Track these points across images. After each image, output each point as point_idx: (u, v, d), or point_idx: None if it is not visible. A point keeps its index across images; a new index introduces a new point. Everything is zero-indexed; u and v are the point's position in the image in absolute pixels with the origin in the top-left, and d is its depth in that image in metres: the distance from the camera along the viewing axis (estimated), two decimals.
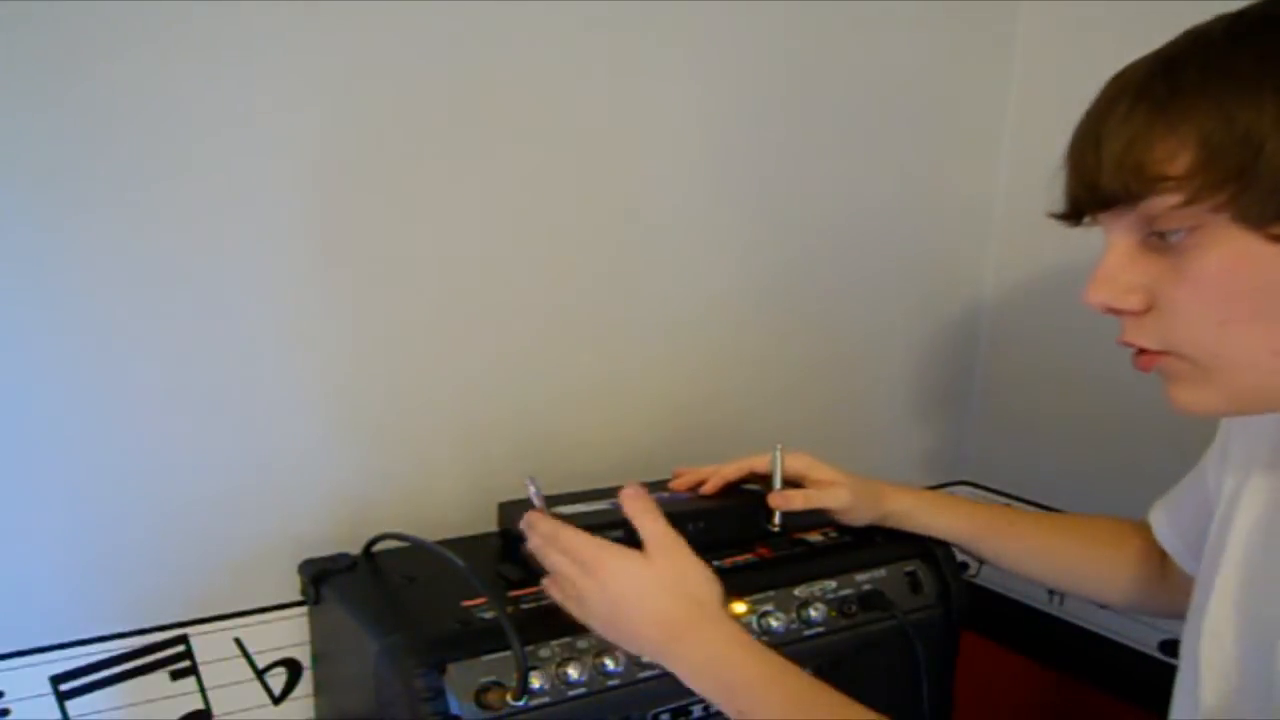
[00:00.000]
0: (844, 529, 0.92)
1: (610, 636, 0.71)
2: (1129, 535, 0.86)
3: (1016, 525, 0.91)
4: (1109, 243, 0.59)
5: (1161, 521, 0.82)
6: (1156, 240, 0.57)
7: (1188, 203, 0.53)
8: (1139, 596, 0.87)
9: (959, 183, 1.22)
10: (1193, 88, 0.53)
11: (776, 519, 0.89)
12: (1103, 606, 1.14)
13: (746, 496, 0.91)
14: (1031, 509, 1.23)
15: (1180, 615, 0.72)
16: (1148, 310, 0.58)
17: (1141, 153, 0.54)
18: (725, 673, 0.68)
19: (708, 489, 0.91)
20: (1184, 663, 0.70)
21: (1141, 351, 0.60)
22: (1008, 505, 1.25)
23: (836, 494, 0.87)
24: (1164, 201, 0.54)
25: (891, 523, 0.90)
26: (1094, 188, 0.57)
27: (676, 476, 0.93)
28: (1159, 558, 0.83)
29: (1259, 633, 0.63)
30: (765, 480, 0.89)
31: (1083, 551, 0.88)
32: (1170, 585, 0.83)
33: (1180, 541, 0.80)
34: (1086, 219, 0.61)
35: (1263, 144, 0.51)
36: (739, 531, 0.88)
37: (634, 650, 0.72)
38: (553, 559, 0.73)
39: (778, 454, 0.88)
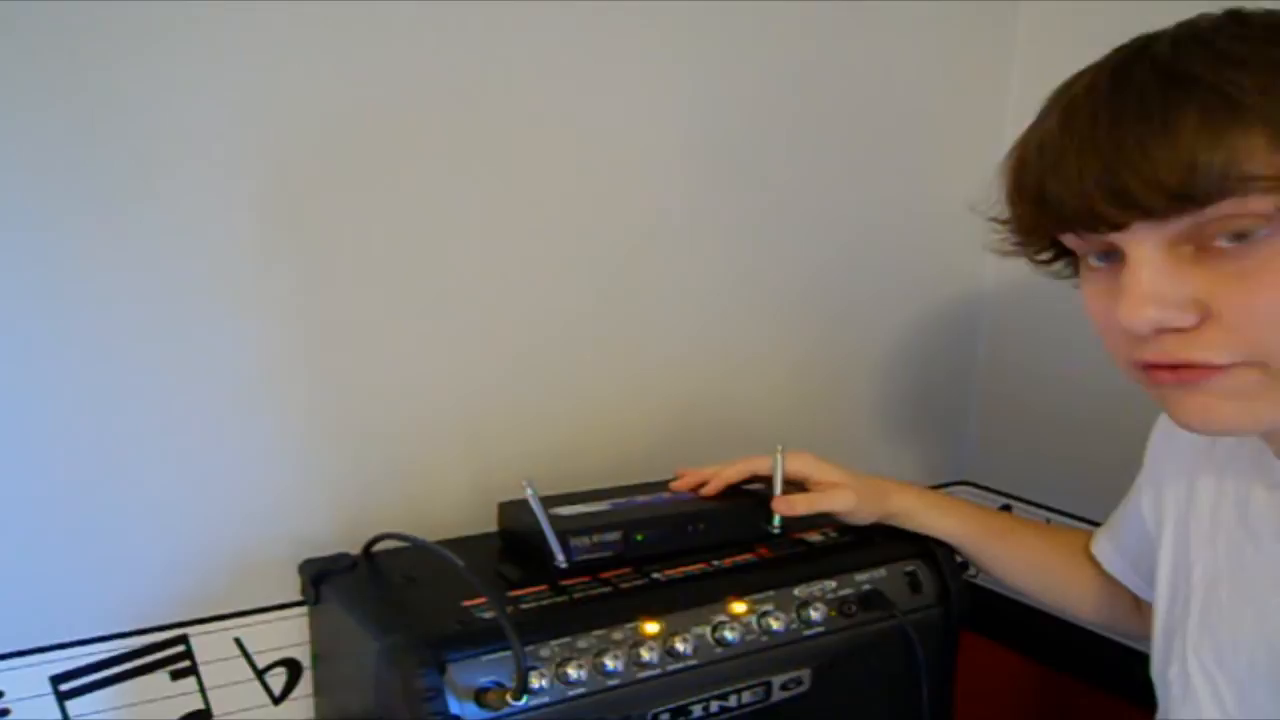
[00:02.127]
0: (844, 529, 0.92)
1: None
2: None
3: (1016, 533, 0.91)
4: (1134, 258, 0.55)
5: (1109, 554, 0.83)
6: (1202, 249, 0.53)
7: (1274, 209, 0.50)
8: (1113, 618, 0.87)
9: (959, 183, 1.21)
10: (1241, 83, 0.50)
11: (777, 521, 0.89)
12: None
13: (748, 497, 0.91)
14: (1032, 510, 1.23)
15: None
16: (1202, 323, 0.54)
17: (1218, 154, 0.50)
18: None
19: (709, 490, 0.91)
20: (1168, 689, 0.70)
21: (1181, 366, 0.56)
22: (1009, 509, 1.25)
23: (842, 496, 0.87)
24: (1249, 205, 0.50)
25: (894, 522, 0.90)
26: (1135, 197, 0.52)
27: (678, 477, 0.93)
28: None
29: (1254, 636, 0.63)
30: (767, 481, 0.89)
31: (1066, 569, 0.88)
32: (1142, 610, 0.84)
33: (1134, 572, 0.81)
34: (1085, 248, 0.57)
35: None
36: (739, 532, 0.88)
37: None
38: None
39: (779, 456, 0.88)
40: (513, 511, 0.88)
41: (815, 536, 0.91)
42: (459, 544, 0.83)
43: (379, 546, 0.86)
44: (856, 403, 1.22)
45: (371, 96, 0.85)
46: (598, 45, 0.95)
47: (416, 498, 0.94)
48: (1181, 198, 0.51)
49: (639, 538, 0.83)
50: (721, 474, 0.91)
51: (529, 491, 0.77)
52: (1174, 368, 0.56)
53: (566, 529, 0.81)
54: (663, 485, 0.94)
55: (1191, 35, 0.54)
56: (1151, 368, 0.57)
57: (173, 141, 0.78)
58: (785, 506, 0.87)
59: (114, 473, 0.81)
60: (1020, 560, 0.90)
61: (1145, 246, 0.54)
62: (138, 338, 0.80)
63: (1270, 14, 0.53)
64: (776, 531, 0.89)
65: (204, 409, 0.83)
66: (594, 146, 0.97)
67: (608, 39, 0.96)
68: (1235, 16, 0.54)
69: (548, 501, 0.81)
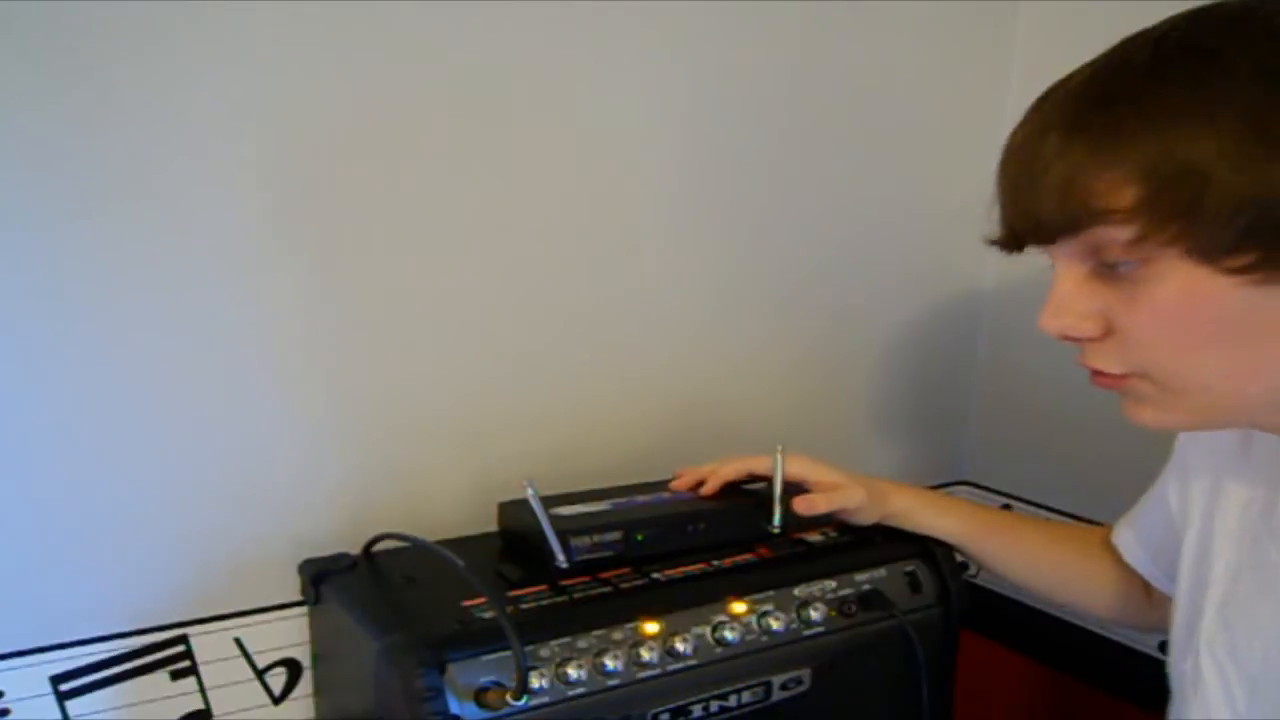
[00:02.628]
0: (843, 529, 0.92)
1: None
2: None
3: (1014, 530, 0.91)
4: (1057, 271, 0.60)
5: (1130, 543, 0.83)
6: (1106, 269, 0.57)
7: (1137, 237, 0.53)
8: (1125, 612, 0.87)
9: (959, 183, 1.22)
10: (1129, 120, 0.53)
11: (776, 520, 0.89)
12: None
13: (747, 496, 0.91)
14: (1031, 510, 1.23)
15: (1162, 631, 0.73)
16: (1106, 335, 0.59)
17: (1083, 185, 0.54)
18: None
19: (707, 489, 0.91)
20: (1181, 682, 0.70)
21: (1101, 373, 0.61)
22: (1009, 509, 1.25)
23: (853, 493, 0.87)
24: (1111, 234, 0.54)
25: (893, 522, 0.90)
26: (1035, 219, 0.57)
27: (677, 477, 0.94)
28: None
29: (1271, 633, 0.63)
30: (765, 480, 0.89)
31: (1076, 563, 0.88)
32: (1154, 601, 0.83)
33: (1153, 563, 0.81)
34: (1029, 248, 0.60)
35: (1209, 177, 0.51)
36: (740, 532, 0.88)
37: None
38: None
39: (779, 456, 0.88)
40: (513, 511, 0.88)
41: (815, 536, 0.91)
42: (459, 544, 0.83)
43: (379, 546, 0.86)
44: (856, 402, 1.22)
45: (370, 97, 0.85)
46: (597, 45, 0.95)
47: (416, 498, 0.94)
48: (1052, 227, 0.56)
49: (639, 538, 0.83)
50: (719, 472, 0.91)
51: (530, 491, 0.77)
52: (1093, 373, 0.61)
53: (567, 529, 0.81)
54: (663, 485, 0.94)
55: (1117, 62, 0.56)
56: (1089, 373, 0.62)
57: (171, 140, 0.78)
58: (807, 506, 0.87)
59: (114, 473, 0.81)
60: (1023, 556, 0.90)
61: (1063, 261, 0.59)
62: (137, 338, 0.80)
63: (1190, 34, 0.54)
64: (776, 531, 0.89)
65: (204, 409, 0.83)
66: (594, 146, 0.97)
67: (608, 39, 0.96)
68: (1162, 38, 0.55)
69: (548, 501, 0.80)
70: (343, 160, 0.85)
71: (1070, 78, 0.58)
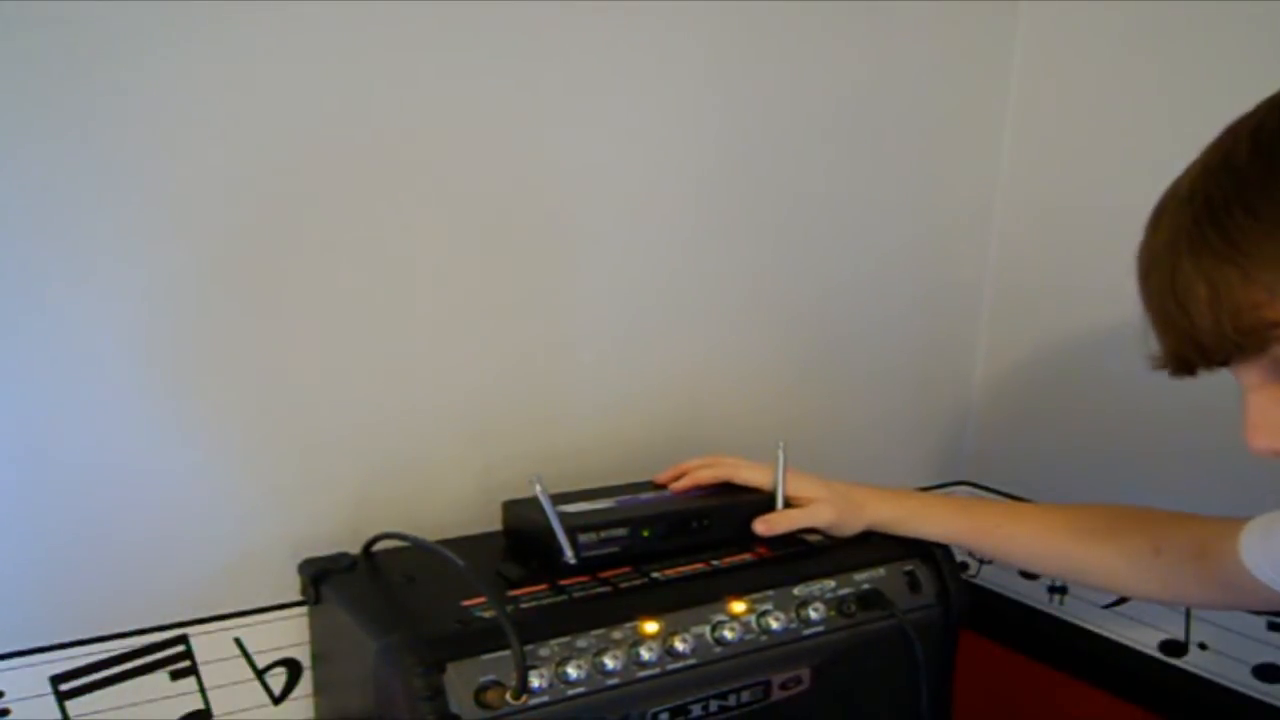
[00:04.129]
0: None
1: None
2: (1132, 528, 0.86)
3: (1004, 526, 0.91)
4: (1245, 388, 0.55)
5: (1256, 557, 0.78)
6: None
7: None
8: (1134, 583, 0.86)
9: (959, 183, 1.22)
10: (1255, 226, 0.49)
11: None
12: (1106, 606, 1.14)
13: (748, 495, 0.91)
14: (1028, 505, 1.23)
15: (1179, 602, 0.71)
16: None
17: (1242, 305, 0.50)
18: None
19: (678, 486, 0.92)
20: None
21: None
22: (999, 500, 1.24)
23: (820, 512, 0.88)
24: None
25: (880, 530, 0.91)
26: (1203, 350, 0.53)
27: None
28: (1170, 554, 0.83)
29: None
30: (742, 490, 0.91)
31: (1075, 550, 0.88)
32: (1185, 577, 0.83)
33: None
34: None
35: None
36: (739, 531, 0.88)
37: None
38: None
39: (781, 454, 0.89)
40: (518, 510, 0.88)
41: (815, 536, 0.91)
42: (459, 543, 0.84)
43: (379, 546, 0.86)
44: (857, 403, 1.22)
45: (386, 96, 0.85)
46: (613, 55, 0.95)
47: (416, 497, 0.94)
48: (1226, 352, 0.52)
49: (646, 534, 0.84)
50: (695, 475, 0.92)
51: (537, 488, 0.77)
52: None
53: (575, 526, 0.81)
54: (663, 484, 0.94)
55: (1222, 168, 0.52)
56: None
57: (171, 132, 0.78)
58: (765, 527, 0.88)
59: (113, 472, 0.81)
60: (1019, 552, 0.90)
61: (1248, 376, 0.55)
62: (136, 336, 0.80)
63: None
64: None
65: (203, 408, 0.83)
66: (600, 152, 0.97)
67: (623, 51, 0.96)
68: (1258, 129, 0.52)
69: (553, 499, 0.81)
70: (349, 158, 0.85)
71: (1178, 185, 0.55)
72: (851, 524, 0.89)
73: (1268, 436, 0.55)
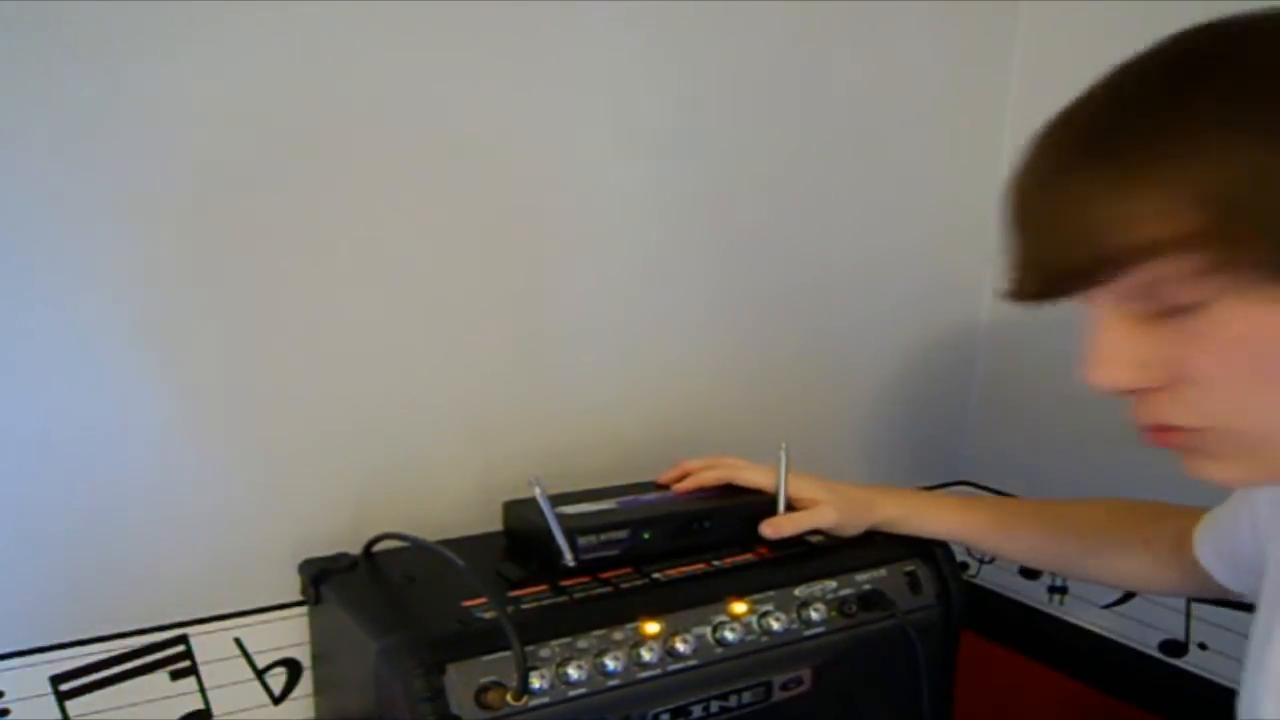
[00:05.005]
0: None
1: None
2: (1122, 518, 0.87)
3: (1008, 524, 0.91)
4: (1098, 320, 0.52)
5: (1206, 548, 0.79)
6: (1161, 309, 0.50)
7: (1205, 268, 0.46)
8: (1140, 577, 0.87)
9: (959, 183, 1.22)
10: (1162, 141, 0.47)
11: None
12: (1105, 605, 1.14)
13: (749, 496, 0.91)
14: (1029, 503, 1.23)
15: (1173, 593, 0.71)
16: (1169, 386, 0.51)
17: (1125, 220, 0.47)
18: None
19: (683, 487, 0.92)
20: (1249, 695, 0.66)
21: (1165, 429, 0.53)
22: (1003, 498, 1.24)
23: (823, 514, 0.88)
24: (1168, 269, 0.47)
25: (885, 530, 0.91)
26: (1066, 268, 0.50)
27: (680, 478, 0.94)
28: (1140, 537, 0.84)
29: None
30: (745, 492, 0.91)
31: (1079, 546, 0.88)
32: (1176, 569, 0.83)
33: (1224, 566, 0.78)
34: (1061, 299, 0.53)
35: (1239, 193, 0.45)
36: (745, 530, 0.88)
37: None
38: None
39: (783, 455, 0.89)
40: (518, 510, 0.88)
41: (815, 536, 0.91)
42: (460, 544, 0.83)
43: (379, 546, 0.86)
44: (856, 403, 1.22)
45: (386, 94, 0.85)
46: (610, 53, 0.95)
47: (417, 497, 0.94)
48: (1091, 273, 0.49)
49: (646, 536, 0.84)
50: (699, 476, 0.92)
51: (536, 490, 0.77)
52: (1156, 430, 0.54)
53: (574, 528, 0.81)
54: (666, 484, 0.94)
55: (1120, 87, 0.50)
56: (1140, 429, 0.55)
57: (170, 132, 0.78)
58: (773, 530, 0.88)
59: (113, 473, 0.81)
60: (1022, 550, 0.91)
61: (1104, 309, 0.52)
62: (136, 337, 0.80)
63: (1193, 45, 0.49)
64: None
65: (203, 408, 0.83)
66: (602, 153, 0.97)
67: (621, 49, 0.96)
68: (1156, 54, 0.50)
69: (553, 500, 0.80)
70: (345, 153, 0.85)
71: (1070, 110, 0.52)
72: (855, 524, 0.90)
73: (1112, 371, 0.52)
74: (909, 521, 0.90)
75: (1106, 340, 0.52)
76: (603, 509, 0.86)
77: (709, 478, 0.92)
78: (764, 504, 0.89)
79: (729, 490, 0.92)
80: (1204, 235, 0.46)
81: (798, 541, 0.89)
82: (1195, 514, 0.81)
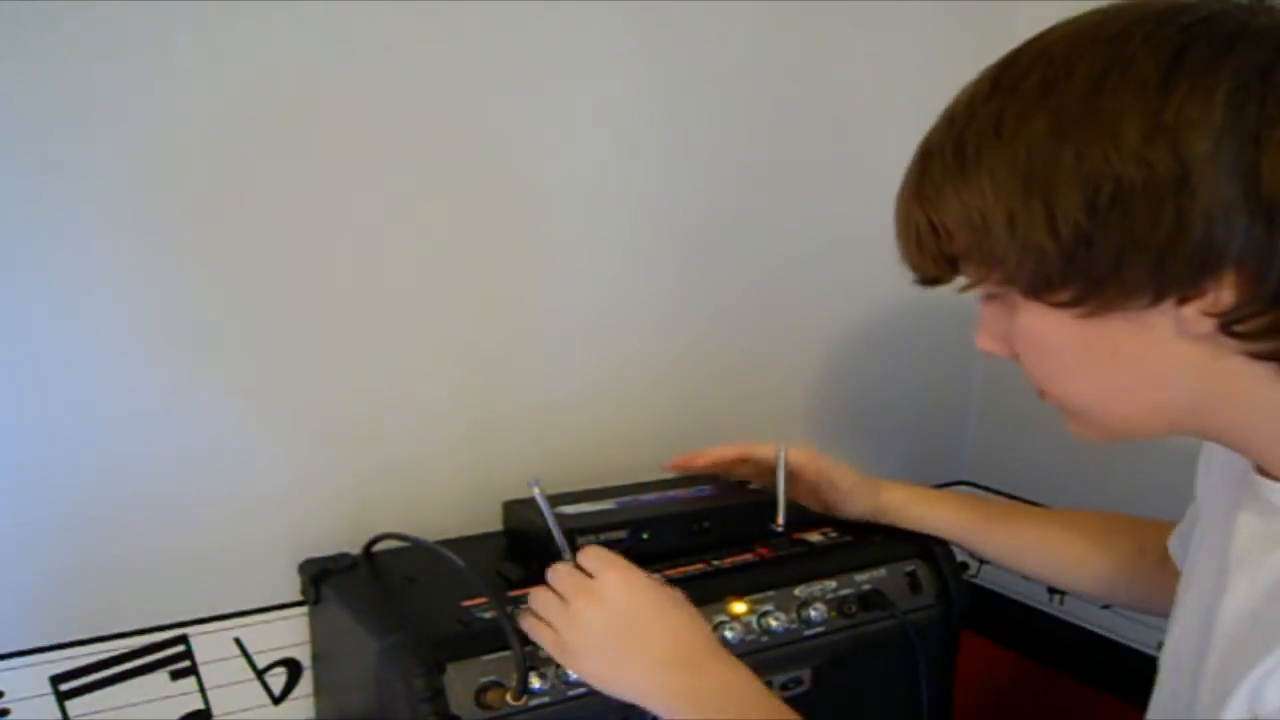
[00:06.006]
0: (844, 528, 0.92)
1: (608, 661, 0.68)
2: (1123, 530, 0.86)
3: (1009, 521, 0.91)
4: (980, 294, 0.62)
5: (1174, 540, 0.80)
6: (995, 295, 0.60)
7: (979, 279, 0.58)
8: (1129, 592, 0.87)
9: None
10: (939, 173, 0.57)
11: (780, 518, 0.89)
12: (1104, 606, 1.14)
13: (748, 496, 0.91)
14: (1032, 507, 1.23)
15: (1161, 610, 0.72)
16: (1018, 357, 0.61)
17: (929, 235, 0.58)
18: (745, 702, 0.67)
19: (702, 460, 0.93)
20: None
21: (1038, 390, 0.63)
22: (1007, 501, 1.25)
23: (844, 471, 0.90)
24: (973, 273, 0.58)
25: (887, 516, 0.91)
26: (915, 265, 0.62)
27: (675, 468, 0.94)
28: (1152, 555, 0.83)
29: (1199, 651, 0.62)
30: (763, 469, 0.91)
31: (1075, 547, 0.88)
32: (1166, 580, 0.83)
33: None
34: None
35: (990, 227, 0.54)
36: (745, 530, 0.88)
37: (634, 679, 0.68)
38: (539, 598, 0.70)
39: (782, 455, 0.88)
40: (518, 511, 0.88)
41: (816, 536, 0.91)
42: (460, 544, 0.84)
43: (379, 546, 0.86)
44: (856, 402, 1.22)
45: (384, 93, 0.85)
46: (605, 49, 0.95)
47: (417, 497, 0.94)
48: (929, 273, 0.61)
49: (645, 536, 0.84)
50: (713, 452, 0.93)
51: (535, 490, 0.77)
52: (1038, 391, 0.63)
53: (574, 528, 0.81)
54: (666, 484, 0.94)
55: (971, 99, 0.59)
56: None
57: (170, 132, 0.78)
58: (805, 457, 0.90)
59: (113, 473, 0.81)
60: (1020, 549, 0.90)
61: (977, 289, 0.61)
62: (134, 335, 0.80)
63: (978, 91, 0.59)
64: (780, 530, 0.89)
65: (203, 408, 0.83)
66: (602, 153, 0.97)
67: (616, 45, 0.96)
68: (962, 99, 0.60)
69: (552, 500, 0.80)
70: (339, 155, 0.85)
71: (929, 132, 0.62)
72: (865, 500, 0.91)
73: (982, 339, 0.63)
74: (909, 508, 0.91)
75: (982, 313, 0.63)
76: (602, 509, 0.86)
77: (726, 452, 0.93)
78: (764, 504, 0.89)
79: (729, 490, 0.92)
80: (967, 255, 0.57)
81: (798, 541, 0.89)
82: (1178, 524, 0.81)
